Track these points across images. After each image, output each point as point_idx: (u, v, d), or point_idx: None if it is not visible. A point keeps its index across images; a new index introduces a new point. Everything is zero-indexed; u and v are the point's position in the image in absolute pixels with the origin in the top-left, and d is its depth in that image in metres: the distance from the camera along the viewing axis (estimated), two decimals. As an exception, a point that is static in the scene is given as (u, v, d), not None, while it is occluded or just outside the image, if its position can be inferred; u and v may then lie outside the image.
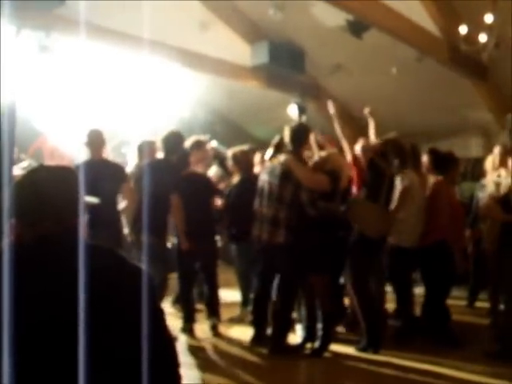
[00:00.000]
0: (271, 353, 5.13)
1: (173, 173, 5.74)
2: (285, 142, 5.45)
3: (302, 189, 5.12)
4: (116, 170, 5.73)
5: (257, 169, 6.40)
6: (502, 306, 5.51)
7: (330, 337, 5.19)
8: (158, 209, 5.32)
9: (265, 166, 5.58)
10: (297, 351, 5.23)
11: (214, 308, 5.90)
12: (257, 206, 5.35)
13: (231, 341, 5.69)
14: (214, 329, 5.79)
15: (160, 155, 5.92)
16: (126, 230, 6.30)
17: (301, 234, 5.10)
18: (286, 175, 5.16)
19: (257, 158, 6.55)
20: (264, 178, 5.37)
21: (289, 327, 5.36)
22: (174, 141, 5.82)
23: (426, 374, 4.63)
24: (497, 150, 6.24)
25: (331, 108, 5.69)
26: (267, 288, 5.36)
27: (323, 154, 5.46)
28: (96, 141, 5.70)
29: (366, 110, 6.06)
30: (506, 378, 4.38)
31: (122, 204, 5.81)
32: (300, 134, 5.37)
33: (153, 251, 5.30)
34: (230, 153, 6.40)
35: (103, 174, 5.31)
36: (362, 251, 5.23)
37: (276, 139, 5.87)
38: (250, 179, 6.05)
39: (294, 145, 5.30)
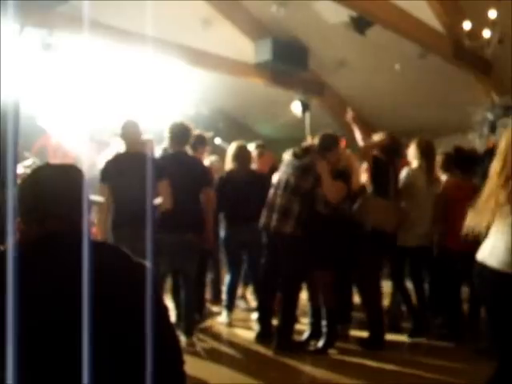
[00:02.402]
0: (277, 349, 5.13)
1: (196, 164, 5.51)
2: (313, 147, 5.39)
3: (320, 186, 5.12)
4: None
5: (254, 165, 6.41)
6: None
7: (334, 333, 5.20)
8: (187, 203, 5.15)
9: (284, 160, 5.55)
10: (302, 347, 5.23)
11: (199, 306, 5.86)
12: (270, 197, 5.35)
13: (233, 337, 5.72)
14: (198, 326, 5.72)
15: (168, 147, 5.56)
16: None
17: (310, 228, 5.11)
18: (307, 168, 5.16)
19: (254, 152, 6.52)
20: (282, 170, 5.39)
21: (294, 322, 5.36)
22: (184, 132, 5.48)
23: (431, 370, 4.63)
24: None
25: (349, 115, 5.71)
26: (272, 282, 5.37)
27: None
28: (132, 132, 5.26)
29: (349, 115, 5.77)
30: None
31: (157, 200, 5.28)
32: (329, 142, 5.31)
33: (190, 247, 5.24)
34: (232, 146, 6.32)
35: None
36: (374, 248, 5.23)
37: (307, 143, 5.83)
38: (240, 170, 6.02)
39: (322, 151, 5.26)
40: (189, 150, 5.64)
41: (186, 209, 5.13)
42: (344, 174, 5.22)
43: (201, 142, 6.05)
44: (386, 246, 5.32)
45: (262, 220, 5.32)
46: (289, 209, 5.15)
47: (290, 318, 5.28)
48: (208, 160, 6.62)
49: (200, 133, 6.13)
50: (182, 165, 5.31)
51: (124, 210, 4.91)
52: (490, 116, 7.41)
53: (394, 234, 5.32)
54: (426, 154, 5.56)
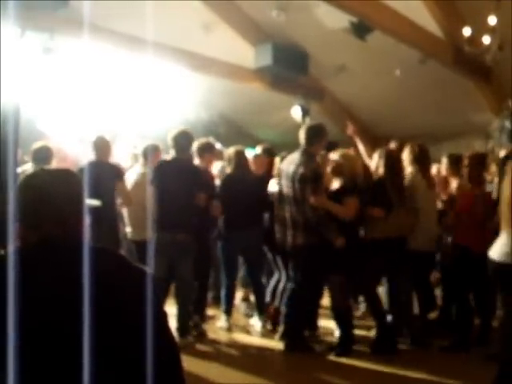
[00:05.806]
0: (286, 349, 5.22)
1: (194, 171, 5.67)
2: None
3: (311, 193, 5.12)
4: (112, 169, 5.93)
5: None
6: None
7: (348, 336, 5.25)
8: (182, 207, 5.35)
9: (281, 170, 5.51)
10: (312, 349, 5.28)
11: (200, 307, 5.85)
12: (278, 211, 5.40)
13: (233, 342, 5.72)
14: (196, 328, 5.71)
15: (170, 154, 5.75)
16: (128, 229, 6.32)
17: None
18: (304, 179, 5.15)
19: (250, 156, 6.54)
20: (283, 183, 5.37)
21: (304, 327, 5.43)
22: (186, 140, 5.70)
23: (436, 376, 4.64)
24: (502, 153, 6.09)
25: (350, 129, 5.73)
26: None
27: (336, 156, 5.40)
28: (101, 146, 5.99)
29: (350, 129, 5.94)
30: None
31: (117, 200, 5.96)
32: (315, 132, 5.33)
33: (187, 249, 5.39)
34: (229, 150, 6.33)
35: (103, 174, 5.45)
36: (380, 254, 5.22)
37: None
38: (238, 174, 6.04)
39: (308, 142, 5.27)
40: (194, 156, 5.87)
41: (178, 209, 5.27)
42: (353, 181, 5.23)
43: (207, 149, 6.06)
44: (392, 251, 5.27)
45: (277, 236, 5.37)
46: (296, 220, 5.19)
47: (301, 322, 5.36)
48: (219, 165, 6.69)
49: (207, 140, 6.15)
50: (178, 171, 5.44)
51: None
52: (508, 124, 7.39)
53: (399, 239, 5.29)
54: (420, 159, 5.51)
